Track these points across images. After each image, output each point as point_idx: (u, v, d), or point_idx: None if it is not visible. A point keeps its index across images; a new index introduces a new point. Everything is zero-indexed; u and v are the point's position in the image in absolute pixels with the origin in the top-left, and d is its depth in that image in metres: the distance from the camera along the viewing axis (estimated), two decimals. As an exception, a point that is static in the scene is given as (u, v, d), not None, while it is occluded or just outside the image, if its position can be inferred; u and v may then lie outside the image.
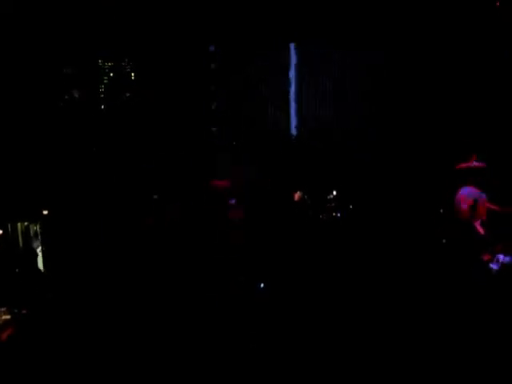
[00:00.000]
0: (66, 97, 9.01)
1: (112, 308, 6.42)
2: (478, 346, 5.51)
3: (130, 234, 7.78)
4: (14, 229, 7.36)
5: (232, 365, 5.45)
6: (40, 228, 7.50)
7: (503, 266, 6.39)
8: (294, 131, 10.21)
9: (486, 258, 7.20)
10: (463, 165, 8.48)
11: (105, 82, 9.55)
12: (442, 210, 8.65)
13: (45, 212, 7.72)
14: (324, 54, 10.19)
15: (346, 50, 10.07)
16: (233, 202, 8.17)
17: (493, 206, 8.16)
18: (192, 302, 6.46)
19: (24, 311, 6.20)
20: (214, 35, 9.83)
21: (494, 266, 6.66)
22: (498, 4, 9.15)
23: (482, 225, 8.12)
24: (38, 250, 7.27)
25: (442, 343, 5.59)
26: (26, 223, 7.46)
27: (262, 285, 6.69)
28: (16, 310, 6.17)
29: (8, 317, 6.07)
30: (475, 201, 7.95)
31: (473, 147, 8.60)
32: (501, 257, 6.51)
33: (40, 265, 7.22)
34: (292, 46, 10.17)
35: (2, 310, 6.11)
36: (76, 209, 8.04)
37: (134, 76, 9.67)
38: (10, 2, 8.35)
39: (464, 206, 7.92)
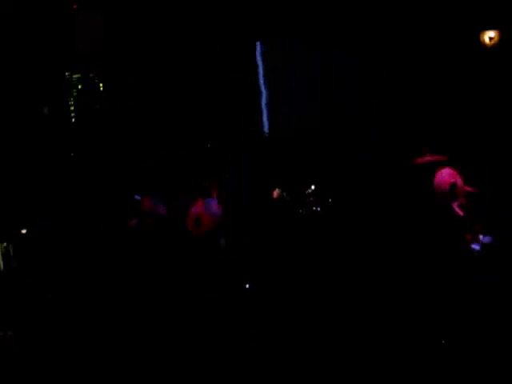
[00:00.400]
0: (35, 110, 8.93)
1: (104, 309, 6.40)
2: (464, 327, 5.55)
3: (121, 235, 7.73)
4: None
5: (229, 364, 5.46)
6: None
7: (484, 246, 6.44)
8: (266, 129, 10.22)
9: (466, 238, 7.27)
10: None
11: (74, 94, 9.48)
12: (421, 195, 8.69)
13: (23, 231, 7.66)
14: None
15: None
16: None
17: (469, 188, 8.22)
18: (183, 303, 6.45)
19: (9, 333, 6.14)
20: (182, 35, 9.79)
21: (475, 247, 6.72)
22: None
23: (461, 207, 8.18)
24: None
25: (427, 326, 5.62)
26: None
27: (247, 285, 6.69)
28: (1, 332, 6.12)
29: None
30: (454, 182, 8.01)
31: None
32: (481, 237, 6.57)
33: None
34: (258, 45, 10.18)
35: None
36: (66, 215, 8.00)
37: (103, 87, 9.60)
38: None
39: (444, 187, 7.98)
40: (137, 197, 7.91)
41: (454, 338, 5.46)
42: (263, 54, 10.30)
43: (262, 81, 10.26)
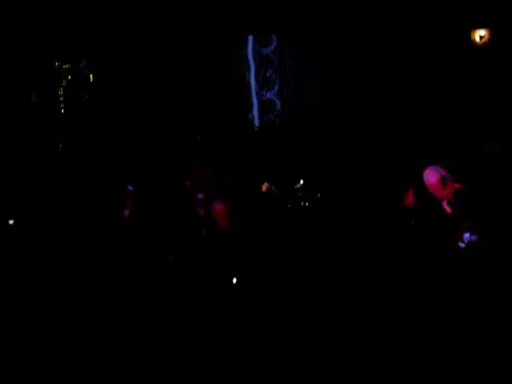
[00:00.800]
0: (24, 100, 8.88)
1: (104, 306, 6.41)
2: (452, 325, 5.59)
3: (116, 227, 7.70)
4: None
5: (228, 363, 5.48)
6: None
7: (469, 244, 6.47)
8: (256, 121, 10.23)
9: (455, 236, 7.30)
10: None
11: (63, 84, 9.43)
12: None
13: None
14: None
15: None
16: (200, 196, 8.09)
17: (457, 185, 8.25)
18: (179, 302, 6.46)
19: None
20: (176, 30, 9.77)
21: (461, 245, 6.74)
22: None
23: (449, 204, 8.21)
24: None
25: (416, 322, 5.65)
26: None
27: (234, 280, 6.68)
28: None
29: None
30: (443, 176, 8.05)
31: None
32: (467, 235, 6.59)
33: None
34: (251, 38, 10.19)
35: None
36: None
37: (93, 77, 9.57)
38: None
39: (432, 180, 8.03)
40: (130, 187, 7.90)
41: (446, 337, 5.50)
42: (256, 51, 10.31)
43: (253, 77, 10.28)
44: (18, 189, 8.04)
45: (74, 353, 5.74)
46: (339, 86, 9.94)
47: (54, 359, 5.66)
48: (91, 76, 9.57)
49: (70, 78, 9.44)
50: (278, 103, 10.27)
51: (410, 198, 8.61)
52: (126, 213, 7.77)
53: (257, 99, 10.27)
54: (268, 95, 10.27)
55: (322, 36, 9.86)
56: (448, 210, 8.10)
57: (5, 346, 5.80)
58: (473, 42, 9.47)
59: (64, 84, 9.38)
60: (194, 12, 9.66)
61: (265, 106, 10.29)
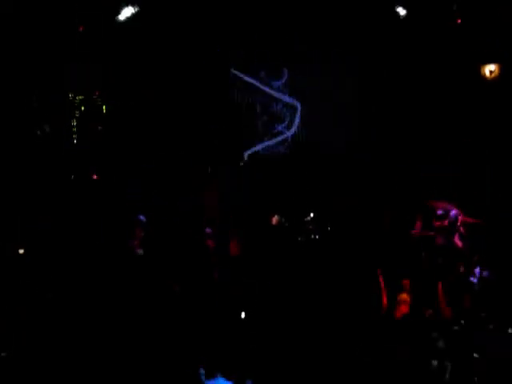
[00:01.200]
0: (38, 132, 8.98)
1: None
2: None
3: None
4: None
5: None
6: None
7: (482, 279, 6.45)
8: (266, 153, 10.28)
9: (462, 270, 7.29)
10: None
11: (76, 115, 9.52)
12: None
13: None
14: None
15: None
16: (208, 230, 8.16)
17: (469, 219, 8.26)
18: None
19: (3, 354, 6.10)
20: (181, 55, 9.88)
21: (473, 280, 6.73)
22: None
23: (461, 237, 8.21)
24: None
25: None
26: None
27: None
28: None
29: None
30: (458, 212, 8.12)
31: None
32: (477, 271, 6.58)
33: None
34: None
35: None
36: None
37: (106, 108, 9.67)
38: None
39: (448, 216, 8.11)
40: (141, 217, 7.94)
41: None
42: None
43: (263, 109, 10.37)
44: (32, 215, 8.11)
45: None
46: (351, 122, 10.02)
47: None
48: (104, 107, 9.67)
49: (83, 109, 9.53)
50: (289, 136, 10.34)
51: (417, 229, 8.62)
52: (136, 243, 7.83)
53: (268, 131, 10.34)
54: (279, 128, 10.34)
55: (334, 71, 9.96)
56: (459, 243, 8.12)
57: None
58: (483, 77, 9.54)
59: (77, 115, 9.47)
60: (209, 38, 9.80)
61: (275, 138, 10.35)
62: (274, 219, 8.52)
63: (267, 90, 10.36)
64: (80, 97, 9.54)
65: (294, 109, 10.34)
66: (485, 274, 6.52)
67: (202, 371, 4.94)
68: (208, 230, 8.14)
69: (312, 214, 8.82)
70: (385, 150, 9.93)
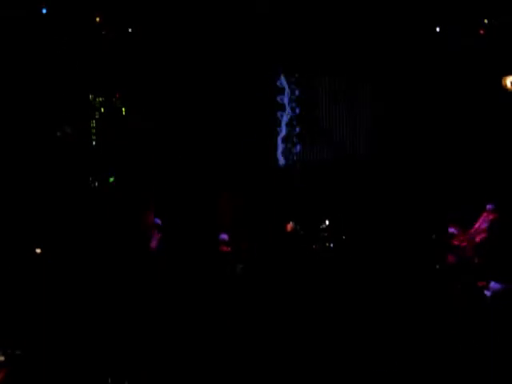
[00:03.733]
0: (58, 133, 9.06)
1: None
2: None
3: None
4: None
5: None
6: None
7: (494, 293, 6.42)
8: (281, 159, 10.30)
9: (480, 284, 7.24)
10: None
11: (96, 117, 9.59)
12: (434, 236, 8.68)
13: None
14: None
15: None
16: (224, 237, 8.19)
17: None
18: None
19: (18, 352, 6.16)
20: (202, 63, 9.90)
21: (487, 293, 6.69)
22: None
23: (476, 250, 8.14)
24: None
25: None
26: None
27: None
28: (9, 351, 6.13)
29: (1, 358, 6.03)
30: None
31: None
32: (492, 284, 6.55)
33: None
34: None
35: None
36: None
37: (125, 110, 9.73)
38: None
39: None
40: (157, 220, 8.00)
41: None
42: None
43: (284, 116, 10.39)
44: (45, 216, 8.18)
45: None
46: (362, 130, 10.06)
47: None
48: (123, 109, 9.73)
49: (102, 110, 9.60)
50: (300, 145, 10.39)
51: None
52: (153, 244, 7.89)
53: (283, 137, 10.37)
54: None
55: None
56: (472, 255, 8.04)
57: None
58: (504, 88, 9.49)
59: (97, 117, 9.54)
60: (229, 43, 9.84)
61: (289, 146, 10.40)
62: (289, 226, 8.53)
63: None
64: (100, 98, 9.62)
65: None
66: (497, 286, 6.48)
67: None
68: (224, 236, 8.18)
69: (327, 222, 8.81)
70: (403, 156, 9.92)
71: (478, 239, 7.89)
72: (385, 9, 9.70)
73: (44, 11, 8.83)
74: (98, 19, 9.24)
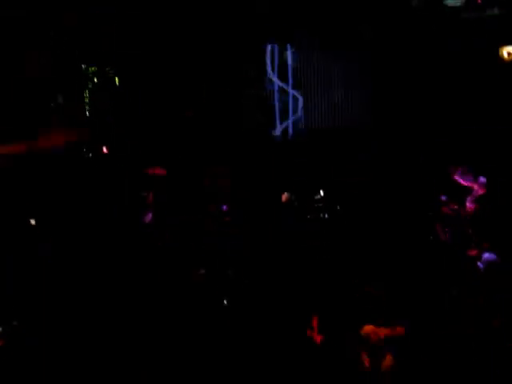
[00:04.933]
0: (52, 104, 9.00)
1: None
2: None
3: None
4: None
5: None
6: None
7: (487, 263, 6.46)
8: (278, 132, 10.28)
9: (472, 254, 7.28)
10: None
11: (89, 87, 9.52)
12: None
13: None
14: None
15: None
16: (225, 208, 8.23)
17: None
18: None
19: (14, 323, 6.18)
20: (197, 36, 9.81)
21: (480, 265, 6.73)
22: None
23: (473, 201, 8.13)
24: None
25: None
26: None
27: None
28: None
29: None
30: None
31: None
32: (485, 255, 6.58)
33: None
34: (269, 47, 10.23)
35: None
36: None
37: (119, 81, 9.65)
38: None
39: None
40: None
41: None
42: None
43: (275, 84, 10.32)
44: (40, 194, 8.15)
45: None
46: (358, 98, 10.06)
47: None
48: (117, 79, 9.65)
49: (95, 80, 9.53)
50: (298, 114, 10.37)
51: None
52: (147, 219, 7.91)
53: (278, 109, 10.34)
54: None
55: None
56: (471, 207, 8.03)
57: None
58: (500, 58, 9.45)
59: (90, 86, 9.47)
60: (219, 19, 9.74)
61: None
62: (284, 196, 8.52)
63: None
64: (93, 68, 9.54)
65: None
66: (490, 257, 6.50)
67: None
68: (224, 208, 8.24)
69: (322, 192, 8.80)
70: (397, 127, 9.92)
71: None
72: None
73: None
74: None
